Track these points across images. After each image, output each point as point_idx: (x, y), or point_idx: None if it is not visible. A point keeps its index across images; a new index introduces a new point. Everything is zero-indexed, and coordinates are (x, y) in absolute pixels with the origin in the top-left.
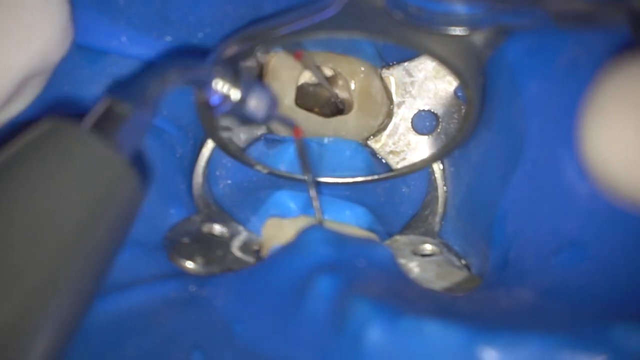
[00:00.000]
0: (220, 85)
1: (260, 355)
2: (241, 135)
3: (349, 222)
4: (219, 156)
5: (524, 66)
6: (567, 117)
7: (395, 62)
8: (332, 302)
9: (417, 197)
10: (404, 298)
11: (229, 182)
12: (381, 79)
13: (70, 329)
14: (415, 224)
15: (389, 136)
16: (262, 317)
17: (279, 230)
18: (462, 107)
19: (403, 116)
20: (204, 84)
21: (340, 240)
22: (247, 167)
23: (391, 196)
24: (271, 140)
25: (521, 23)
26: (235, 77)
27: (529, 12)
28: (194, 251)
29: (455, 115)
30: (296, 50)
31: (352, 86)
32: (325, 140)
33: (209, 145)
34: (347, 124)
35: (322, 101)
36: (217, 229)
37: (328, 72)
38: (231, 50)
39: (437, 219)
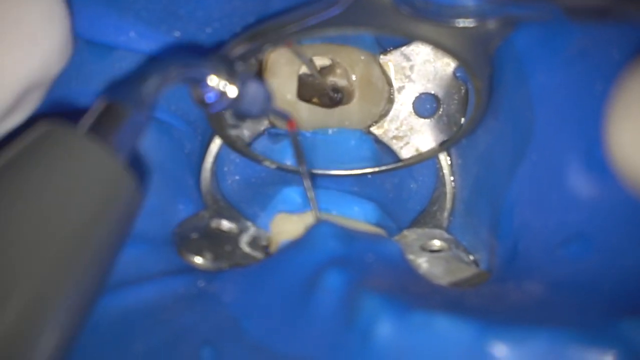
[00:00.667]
0: (216, 82)
1: (270, 351)
2: (245, 131)
3: (357, 218)
4: (227, 152)
5: (532, 56)
6: (575, 108)
7: (392, 48)
8: (341, 297)
9: (425, 193)
10: (413, 293)
11: (237, 177)
12: (380, 65)
13: (71, 331)
14: (423, 219)
15: (391, 122)
16: (271, 312)
17: (287, 225)
18: (462, 87)
19: (404, 101)
20: (200, 82)
21: (349, 235)
22: (255, 163)
23: (399, 192)
24: (275, 134)
25: (529, 14)
26: (231, 73)
27: (538, 5)
28: (202, 247)
29: (456, 97)
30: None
31: (353, 76)
32: (330, 132)
33: (217, 141)
34: (351, 114)
35: (320, 90)
36: (226, 224)
37: (326, 61)
38: (240, 48)
39: (446, 214)
